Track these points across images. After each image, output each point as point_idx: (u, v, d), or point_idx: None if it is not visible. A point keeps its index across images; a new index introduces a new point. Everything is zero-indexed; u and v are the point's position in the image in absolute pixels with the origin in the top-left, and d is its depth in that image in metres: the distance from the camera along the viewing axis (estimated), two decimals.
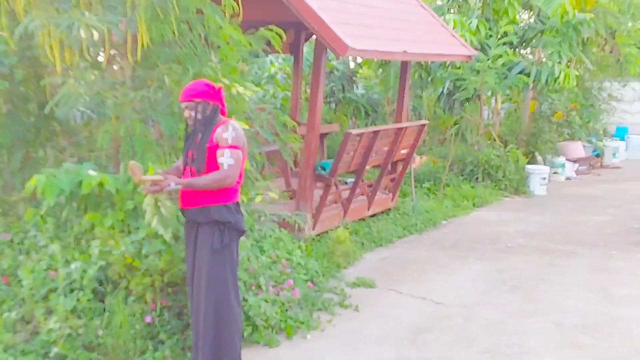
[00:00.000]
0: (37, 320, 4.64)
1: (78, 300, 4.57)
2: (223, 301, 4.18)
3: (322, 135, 8.93)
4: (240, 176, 4.20)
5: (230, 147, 4.03)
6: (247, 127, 5.54)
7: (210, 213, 4.10)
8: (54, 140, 5.86)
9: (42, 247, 5.02)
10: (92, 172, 4.70)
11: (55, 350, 4.41)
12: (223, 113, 4.24)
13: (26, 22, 4.37)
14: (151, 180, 4.04)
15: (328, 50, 6.71)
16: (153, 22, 5.01)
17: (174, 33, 5.15)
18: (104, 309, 4.68)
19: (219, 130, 4.09)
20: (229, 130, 4.06)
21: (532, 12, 13.16)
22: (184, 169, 4.25)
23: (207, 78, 5.43)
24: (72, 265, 4.67)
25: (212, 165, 4.09)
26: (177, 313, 4.89)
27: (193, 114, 4.13)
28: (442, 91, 11.68)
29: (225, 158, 4.01)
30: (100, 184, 4.67)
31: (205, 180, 4.03)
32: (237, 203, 4.22)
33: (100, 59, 5.45)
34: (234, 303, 4.24)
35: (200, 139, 4.11)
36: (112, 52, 5.43)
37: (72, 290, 4.64)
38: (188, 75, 5.21)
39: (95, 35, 4.34)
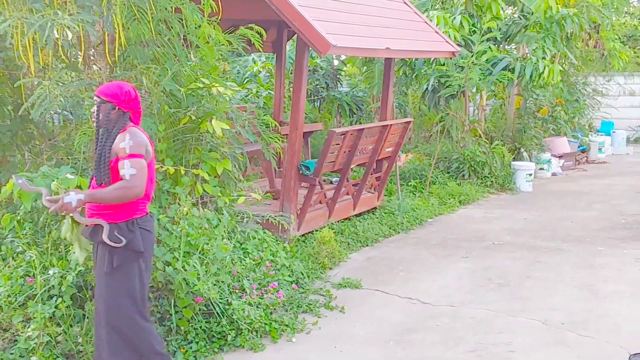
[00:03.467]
0: (15, 327, 4.56)
1: (57, 307, 4.48)
2: (125, 326, 3.88)
3: (306, 135, 8.86)
4: (148, 189, 3.88)
5: (130, 156, 3.69)
6: (227, 127, 5.48)
7: (99, 232, 3.77)
8: (31, 143, 5.77)
9: (20, 253, 4.93)
10: (69, 176, 4.61)
11: (34, 358, 4.31)
12: (135, 121, 3.93)
13: None
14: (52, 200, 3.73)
15: (310, 48, 6.64)
16: (130, 21, 4.93)
17: (151, 32, 5.07)
18: (84, 316, 4.59)
19: (117, 140, 3.76)
20: (126, 139, 3.71)
21: (515, 8, 13.16)
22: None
23: (186, 78, 5.37)
24: (50, 272, 4.58)
25: (116, 177, 3.78)
26: (159, 318, 4.81)
27: (95, 110, 3.84)
28: (427, 88, 11.64)
29: (126, 169, 3.67)
30: (79, 187, 4.57)
31: (109, 192, 3.68)
32: (132, 221, 3.82)
33: (79, 59, 5.37)
34: (139, 323, 3.92)
35: (102, 146, 3.81)
36: (90, 52, 5.35)
37: (50, 297, 4.55)
38: (167, 75, 5.14)
39: (69, 35, 4.23)
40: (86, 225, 3.87)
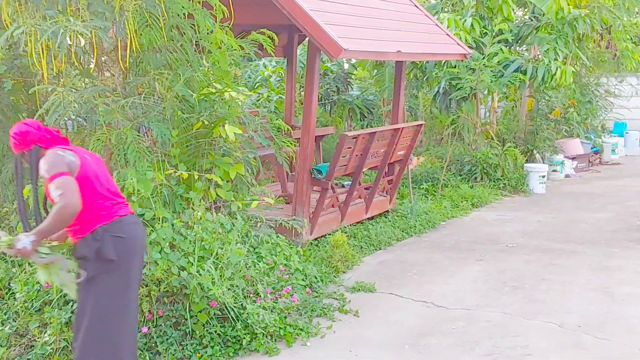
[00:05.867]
0: (32, 333, 4.59)
1: (73, 312, 4.50)
2: (89, 342, 3.81)
3: (318, 138, 8.85)
4: (111, 192, 3.85)
5: (51, 179, 3.58)
6: (240, 132, 5.49)
7: (75, 250, 3.81)
8: None
9: None
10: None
11: None
12: (54, 143, 3.82)
13: (11, 29, 4.30)
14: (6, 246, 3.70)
15: (321, 52, 6.65)
16: (142, 27, 4.95)
17: (164, 38, 5.09)
18: None
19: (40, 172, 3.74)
20: (42, 165, 3.65)
21: (526, 9, 13.12)
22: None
23: (199, 83, 5.39)
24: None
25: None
26: (174, 323, 4.82)
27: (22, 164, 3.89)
28: (438, 90, 11.62)
29: (53, 193, 3.57)
30: None
31: (49, 221, 3.56)
32: (97, 230, 3.74)
33: (91, 66, 5.40)
34: (115, 341, 3.84)
35: (34, 189, 3.87)
36: (103, 58, 5.38)
37: (66, 303, 4.57)
38: (179, 80, 5.15)
39: (82, 41, 4.26)
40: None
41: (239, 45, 5.73)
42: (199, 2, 5.42)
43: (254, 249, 5.90)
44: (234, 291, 5.03)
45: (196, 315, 4.80)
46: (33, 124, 3.83)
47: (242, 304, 5.01)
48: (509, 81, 11.01)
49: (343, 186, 8.92)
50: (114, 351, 3.83)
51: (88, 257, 3.71)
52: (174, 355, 4.64)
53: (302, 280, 5.94)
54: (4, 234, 3.76)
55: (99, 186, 3.79)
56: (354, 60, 13.79)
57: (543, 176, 11.15)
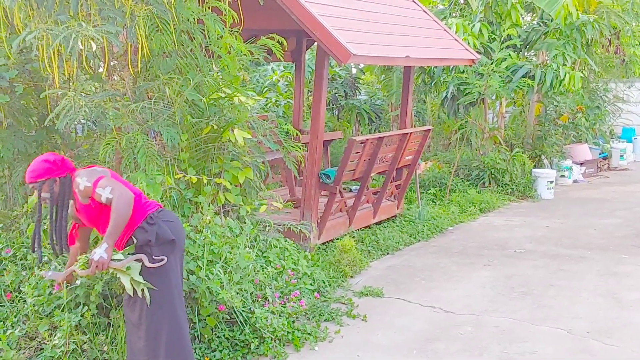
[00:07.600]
0: (42, 336, 4.60)
1: (82, 315, 4.52)
2: (167, 322, 4.06)
3: (326, 143, 8.87)
4: (138, 194, 4.06)
5: (95, 185, 3.83)
6: (249, 136, 5.51)
7: (137, 241, 3.97)
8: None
9: (46, 262, 4.97)
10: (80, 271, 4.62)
11: None
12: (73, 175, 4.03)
13: (24, 34, 4.34)
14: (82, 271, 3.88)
15: (330, 57, 6.66)
16: (153, 32, 4.98)
17: (174, 43, 5.12)
18: (109, 324, 4.63)
19: (76, 192, 3.93)
20: (79, 181, 3.87)
21: (535, 15, 13.11)
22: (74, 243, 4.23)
23: (209, 88, 5.41)
24: (78, 282, 4.61)
25: (98, 218, 3.96)
26: None
27: (43, 194, 3.95)
28: (446, 96, 11.63)
29: (104, 194, 3.79)
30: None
31: (113, 219, 3.78)
32: (150, 217, 3.99)
33: (101, 70, 5.44)
34: (179, 320, 4.10)
35: (60, 216, 4.01)
36: (113, 63, 5.41)
37: (76, 306, 4.59)
38: (189, 85, 5.18)
39: (94, 46, 4.29)
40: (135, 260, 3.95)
41: (248, 50, 5.76)
42: (209, 8, 5.46)
43: (263, 253, 5.92)
44: (243, 295, 5.05)
45: (205, 319, 4.81)
46: (59, 156, 4.04)
47: (250, 308, 5.03)
48: (517, 86, 11.01)
49: (351, 191, 8.92)
50: (182, 327, 4.11)
51: (151, 242, 3.94)
52: None
53: (310, 284, 5.95)
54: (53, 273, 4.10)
55: (131, 187, 4.10)
56: (362, 65, 13.81)
57: (551, 181, 11.13)
